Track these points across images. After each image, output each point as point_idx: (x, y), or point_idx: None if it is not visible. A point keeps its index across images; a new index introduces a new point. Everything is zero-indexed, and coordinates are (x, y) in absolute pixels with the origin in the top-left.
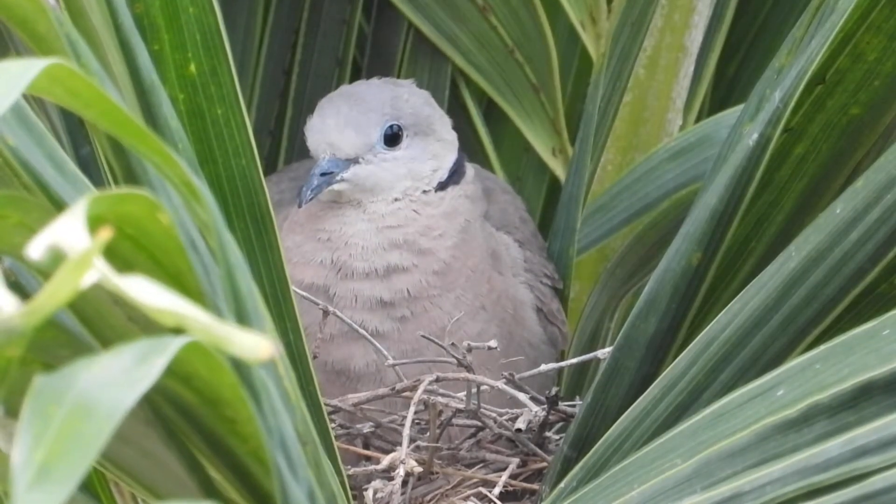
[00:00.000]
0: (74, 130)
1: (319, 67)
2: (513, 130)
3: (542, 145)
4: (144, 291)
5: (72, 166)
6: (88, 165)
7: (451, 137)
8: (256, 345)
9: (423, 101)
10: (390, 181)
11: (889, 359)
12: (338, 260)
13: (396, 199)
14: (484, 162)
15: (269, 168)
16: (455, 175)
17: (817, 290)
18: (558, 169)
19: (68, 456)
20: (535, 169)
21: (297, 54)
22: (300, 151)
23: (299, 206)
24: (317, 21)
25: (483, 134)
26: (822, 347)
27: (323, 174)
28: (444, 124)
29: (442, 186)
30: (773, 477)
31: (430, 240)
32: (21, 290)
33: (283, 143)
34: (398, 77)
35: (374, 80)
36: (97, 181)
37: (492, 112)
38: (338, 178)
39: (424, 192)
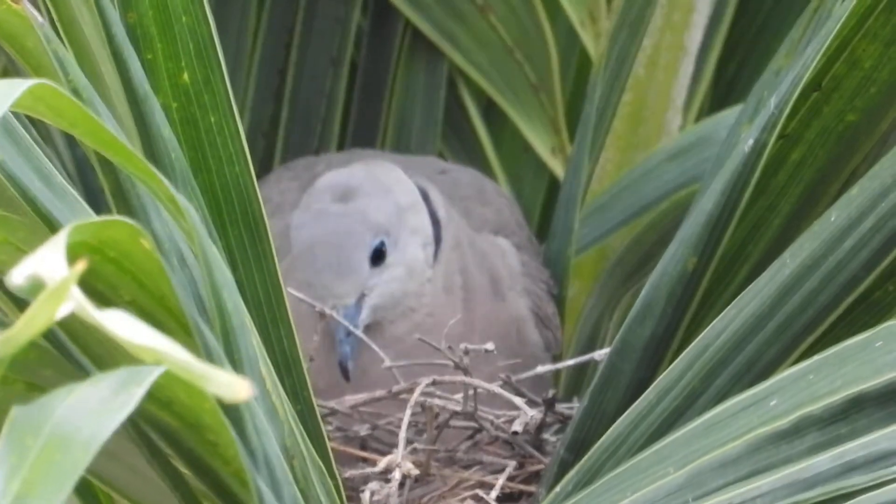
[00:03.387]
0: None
1: (314, 68)
2: (512, 130)
3: (541, 144)
4: (123, 326)
5: (59, 179)
6: (85, 165)
7: (413, 197)
8: (233, 385)
9: (386, 197)
10: (400, 290)
11: (882, 371)
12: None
13: (413, 310)
14: (483, 161)
15: (264, 169)
16: (436, 227)
17: (812, 297)
18: (558, 168)
19: (45, 486)
20: (535, 168)
21: (292, 54)
22: (295, 152)
23: (347, 379)
24: (312, 20)
25: (482, 133)
26: (816, 358)
27: (348, 334)
28: (405, 193)
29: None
30: (763, 490)
31: (443, 327)
32: (12, 296)
33: (278, 145)
34: (395, 76)
35: (337, 209)
36: (94, 181)
37: (491, 111)
38: (359, 326)
39: (428, 279)
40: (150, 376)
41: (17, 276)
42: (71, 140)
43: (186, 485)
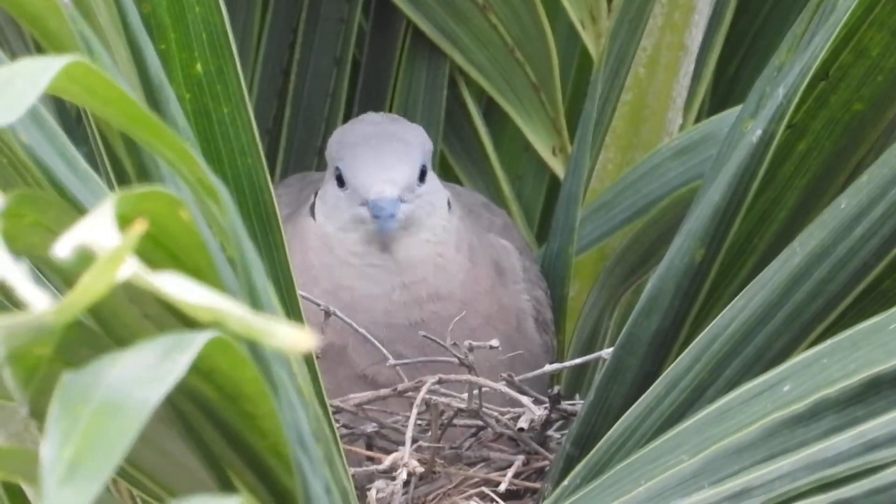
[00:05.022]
0: (71, 130)
1: (318, 67)
2: (512, 129)
3: (541, 144)
4: (178, 287)
5: (83, 164)
6: (91, 164)
7: None
8: (296, 337)
9: (429, 136)
10: (423, 218)
11: None
12: (359, 322)
13: (428, 241)
14: (483, 161)
15: (268, 167)
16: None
17: (822, 285)
18: (558, 168)
19: (96, 453)
20: (535, 168)
21: (296, 53)
22: (298, 151)
23: (383, 249)
24: (315, 20)
25: (482, 133)
26: (829, 342)
27: (391, 215)
28: None
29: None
30: (783, 472)
31: (448, 283)
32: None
33: (282, 143)
34: (396, 76)
35: (398, 119)
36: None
37: (491, 111)
38: (399, 216)
39: (444, 226)
40: (196, 343)
41: (64, 248)
42: (72, 139)
43: (221, 467)
